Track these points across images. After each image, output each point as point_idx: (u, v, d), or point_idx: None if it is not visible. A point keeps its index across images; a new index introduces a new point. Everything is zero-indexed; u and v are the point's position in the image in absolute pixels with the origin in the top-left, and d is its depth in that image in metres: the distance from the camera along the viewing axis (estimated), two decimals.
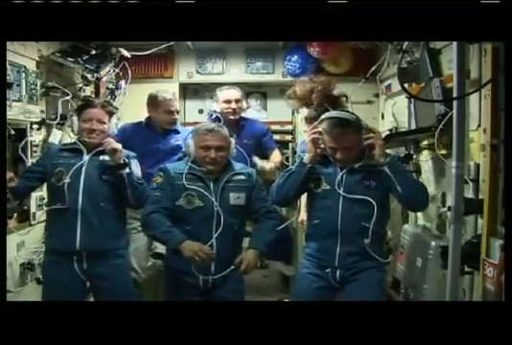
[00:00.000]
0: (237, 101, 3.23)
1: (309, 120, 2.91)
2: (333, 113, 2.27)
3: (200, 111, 4.05)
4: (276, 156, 3.46)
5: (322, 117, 2.26)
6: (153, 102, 3.15)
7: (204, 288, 2.34)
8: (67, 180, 2.36)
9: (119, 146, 2.39)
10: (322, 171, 2.28)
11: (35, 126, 2.79)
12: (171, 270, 2.45)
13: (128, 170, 2.39)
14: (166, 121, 3.15)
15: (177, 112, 3.20)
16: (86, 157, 2.43)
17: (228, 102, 3.22)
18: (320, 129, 2.22)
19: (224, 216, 2.32)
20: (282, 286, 4.07)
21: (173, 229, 2.27)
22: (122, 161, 2.38)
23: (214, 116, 3.29)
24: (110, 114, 2.51)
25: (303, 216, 3.19)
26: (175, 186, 2.36)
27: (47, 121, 2.87)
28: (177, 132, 3.20)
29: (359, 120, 2.24)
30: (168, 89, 3.32)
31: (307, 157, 2.26)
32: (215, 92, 3.31)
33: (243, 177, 2.44)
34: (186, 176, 2.36)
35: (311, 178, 2.28)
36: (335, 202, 2.22)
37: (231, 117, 3.25)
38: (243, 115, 3.39)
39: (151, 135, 3.14)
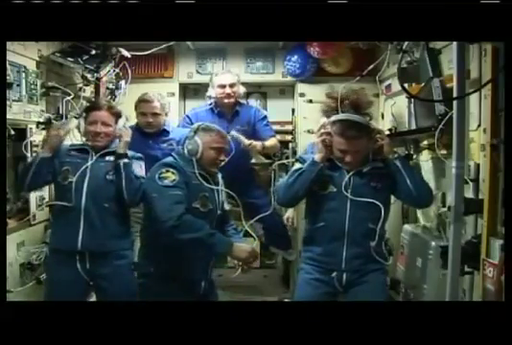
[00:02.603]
0: (231, 85, 3.19)
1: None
2: (345, 115, 2.20)
3: None
4: (272, 141, 3.32)
5: (333, 119, 2.21)
6: (135, 104, 3.13)
7: (204, 292, 2.33)
8: (72, 179, 2.38)
9: (128, 139, 2.47)
10: (329, 173, 2.25)
11: (41, 126, 2.79)
12: (161, 280, 2.23)
13: (126, 160, 2.42)
14: (142, 123, 3.09)
15: (155, 114, 3.06)
16: (93, 157, 2.45)
17: (222, 86, 3.18)
18: (330, 130, 2.19)
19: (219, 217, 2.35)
20: (282, 286, 4.08)
21: (216, 231, 2.18)
22: (123, 151, 2.43)
23: (210, 102, 3.27)
24: (117, 116, 2.53)
25: (289, 213, 3.35)
26: (191, 186, 2.24)
27: (53, 121, 2.86)
28: (167, 133, 3.12)
29: (368, 122, 2.24)
30: (169, 91, 3.30)
31: (318, 157, 2.21)
32: (211, 77, 3.28)
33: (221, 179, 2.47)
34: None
35: (316, 180, 2.24)
36: (342, 204, 2.19)
37: (225, 101, 3.22)
38: (242, 101, 3.36)
39: (138, 139, 2.95)
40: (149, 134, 3.10)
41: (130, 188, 2.38)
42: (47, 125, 2.82)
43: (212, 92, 3.23)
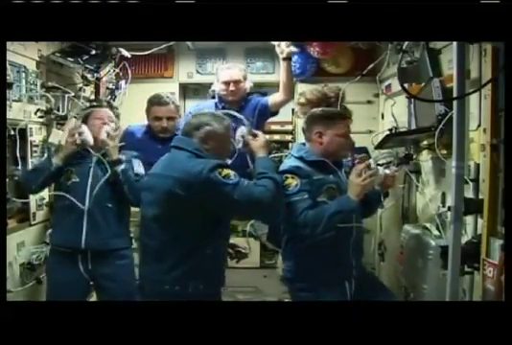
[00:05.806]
0: (236, 82, 3.04)
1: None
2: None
3: None
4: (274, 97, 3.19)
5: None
6: (146, 106, 2.94)
7: None
8: (76, 180, 2.43)
9: (117, 144, 2.47)
10: (333, 179, 2.17)
11: (39, 114, 2.78)
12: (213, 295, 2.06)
13: (123, 166, 2.44)
14: (155, 129, 2.90)
15: (170, 118, 2.88)
16: (94, 158, 2.48)
17: (226, 83, 3.04)
18: (375, 172, 2.15)
19: None
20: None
21: None
22: (116, 158, 2.45)
23: (216, 97, 3.15)
24: (116, 116, 2.58)
25: None
26: None
27: (54, 110, 2.86)
28: None
29: None
30: (169, 91, 3.24)
31: (358, 199, 2.05)
32: (217, 69, 3.19)
33: None
34: None
35: (323, 190, 2.12)
36: None
37: (229, 98, 3.09)
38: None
39: (149, 144, 2.85)
40: (159, 139, 2.88)
41: (133, 191, 2.41)
42: (47, 114, 2.83)
43: (216, 86, 3.11)
